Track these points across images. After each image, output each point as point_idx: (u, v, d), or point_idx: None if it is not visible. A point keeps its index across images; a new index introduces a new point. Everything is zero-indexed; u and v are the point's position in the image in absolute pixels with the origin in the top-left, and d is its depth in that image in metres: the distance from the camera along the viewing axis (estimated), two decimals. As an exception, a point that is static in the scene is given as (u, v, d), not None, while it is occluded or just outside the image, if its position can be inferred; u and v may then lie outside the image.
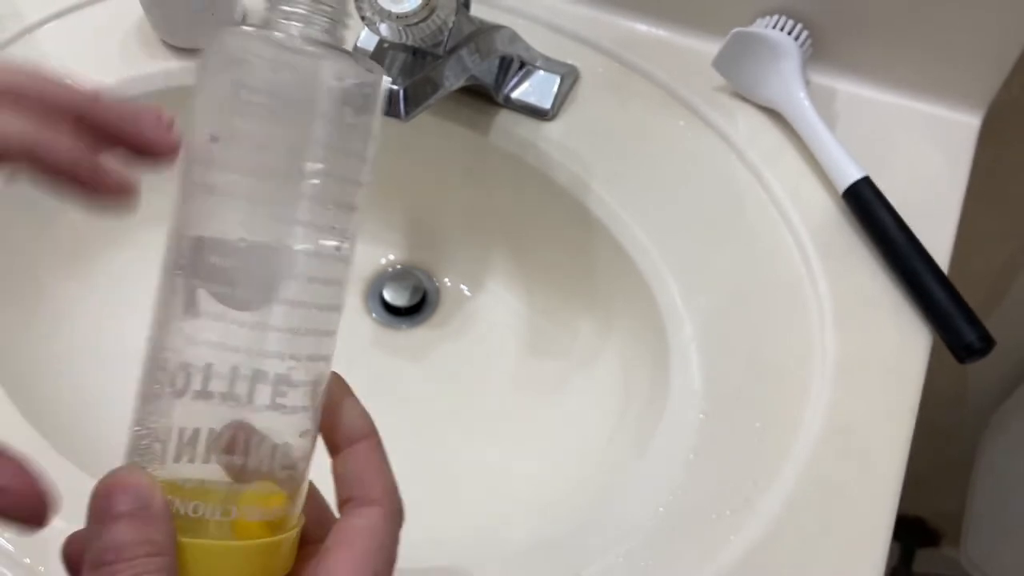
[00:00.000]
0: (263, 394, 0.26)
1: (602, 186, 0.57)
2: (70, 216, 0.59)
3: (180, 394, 0.26)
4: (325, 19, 0.27)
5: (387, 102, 0.57)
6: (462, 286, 0.65)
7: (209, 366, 0.26)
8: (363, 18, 0.52)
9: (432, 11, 0.51)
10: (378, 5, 0.51)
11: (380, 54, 0.59)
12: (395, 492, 0.28)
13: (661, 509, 0.46)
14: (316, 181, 0.26)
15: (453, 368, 0.61)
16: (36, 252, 0.58)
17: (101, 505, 0.26)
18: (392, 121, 0.52)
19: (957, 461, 0.91)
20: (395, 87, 0.56)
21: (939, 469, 0.87)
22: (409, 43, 0.53)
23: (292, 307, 0.27)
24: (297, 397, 0.27)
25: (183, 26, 0.60)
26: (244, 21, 0.50)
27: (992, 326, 0.52)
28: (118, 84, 0.59)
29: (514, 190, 0.61)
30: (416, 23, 0.51)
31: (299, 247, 0.26)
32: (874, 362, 0.51)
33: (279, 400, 0.27)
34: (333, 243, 0.27)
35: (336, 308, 0.28)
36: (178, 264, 0.27)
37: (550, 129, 0.60)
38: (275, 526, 0.27)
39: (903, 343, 0.52)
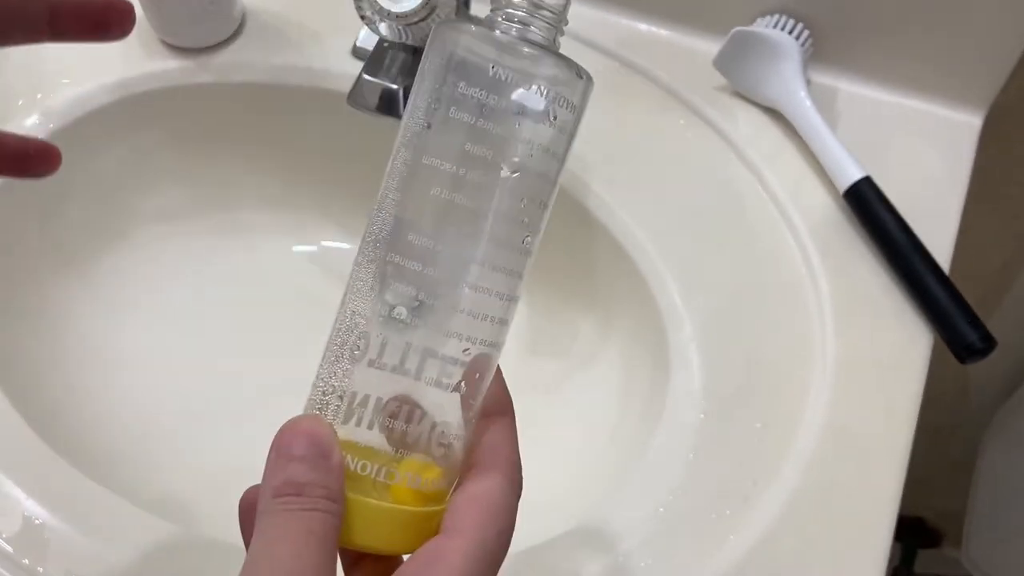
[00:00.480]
0: (431, 371, 0.28)
1: (602, 186, 0.57)
2: (70, 216, 0.60)
3: (357, 360, 0.28)
4: (543, 23, 0.29)
5: (386, 102, 0.57)
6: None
7: (396, 338, 0.28)
8: (363, 18, 0.52)
9: (432, 10, 0.51)
10: (378, 5, 0.51)
11: (380, 53, 0.59)
12: (519, 465, 0.30)
13: (661, 509, 0.46)
14: (516, 175, 0.28)
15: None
16: (36, 252, 0.58)
17: (286, 444, 0.27)
18: (392, 121, 0.52)
19: (958, 461, 0.91)
20: (395, 87, 0.56)
21: (940, 469, 0.87)
22: (409, 43, 0.53)
23: (473, 291, 0.29)
24: (463, 378, 0.29)
25: (182, 26, 0.60)
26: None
27: (993, 326, 0.52)
28: (117, 84, 0.59)
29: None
30: (416, 22, 0.51)
31: (489, 235, 0.28)
32: (875, 362, 0.51)
33: (445, 379, 0.28)
34: (520, 235, 0.29)
35: (513, 299, 0.30)
36: (378, 238, 0.29)
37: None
38: (430, 497, 0.28)
39: (904, 343, 0.52)
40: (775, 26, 0.60)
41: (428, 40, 0.29)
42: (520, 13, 0.28)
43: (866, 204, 0.55)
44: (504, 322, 0.30)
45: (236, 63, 0.61)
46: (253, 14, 0.63)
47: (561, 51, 0.29)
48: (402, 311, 0.28)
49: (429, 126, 0.28)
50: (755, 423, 0.49)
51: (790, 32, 0.60)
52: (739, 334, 0.52)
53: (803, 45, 0.60)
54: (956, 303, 0.52)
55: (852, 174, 0.56)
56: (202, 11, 0.59)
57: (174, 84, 0.60)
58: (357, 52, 0.61)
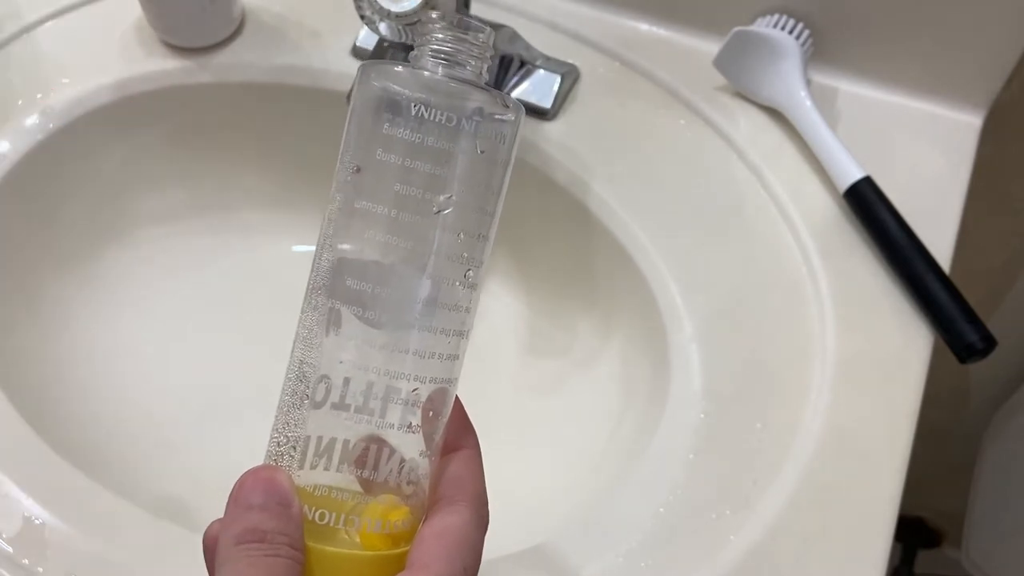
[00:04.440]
0: (393, 412, 0.28)
1: (602, 186, 0.57)
2: (70, 216, 0.60)
3: (319, 406, 0.28)
4: (468, 57, 0.29)
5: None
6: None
7: (346, 381, 0.28)
8: (363, 17, 0.52)
9: (432, 10, 0.51)
10: (378, 4, 0.51)
11: (380, 53, 0.59)
12: (485, 498, 0.30)
13: (661, 509, 0.46)
14: (449, 211, 0.28)
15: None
16: (36, 252, 0.58)
17: (246, 493, 0.28)
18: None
19: (958, 461, 0.91)
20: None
21: (940, 469, 0.87)
22: (409, 42, 0.53)
23: (419, 331, 0.29)
24: (420, 416, 0.29)
25: (182, 25, 0.60)
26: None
27: (993, 326, 0.52)
28: (117, 84, 0.59)
29: (514, 190, 0.60)
30: (416, 22, 0.51)
31: (429, 273, 0.28)
32: (875, 362, 0.51)
33: (407, 418, 0.28)
34: (461, 270, 0.29)
35: (462, 333, 0.30)
36: (320, 284, 0.29)
37: (550, 129, 0.59)
38: (395, 539, 0.28)
39: (904, 343, 0.52)
40: (775, 26, 0.60)
41: (354, 81, 0.29)
42: (445, 49, 0.28)
43: (866, 204, 0.55)
44: (454, 357, 0.30)
45: (236, 63, 0.61)
46: (253, 14, 0.63)
47: (486, 84, 0.29)
48: (350, 355, 0.28)
49: (359, 169, 0.28)
50: (755, 423, 0.49)
51: (790, 32, 0.60)
52: (739, 334, 0.52)
53: (803, 45, 0.60)
54: (956, 303, 0.52)
55: (852, 174, 0.56)
56: (202, 11, 0.59)
57: (174, 84, 0.60)
58: (357, 52, 0.61)
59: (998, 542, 0.86)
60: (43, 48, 0.60)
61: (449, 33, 0.29)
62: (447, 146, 0.28)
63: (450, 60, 0.29)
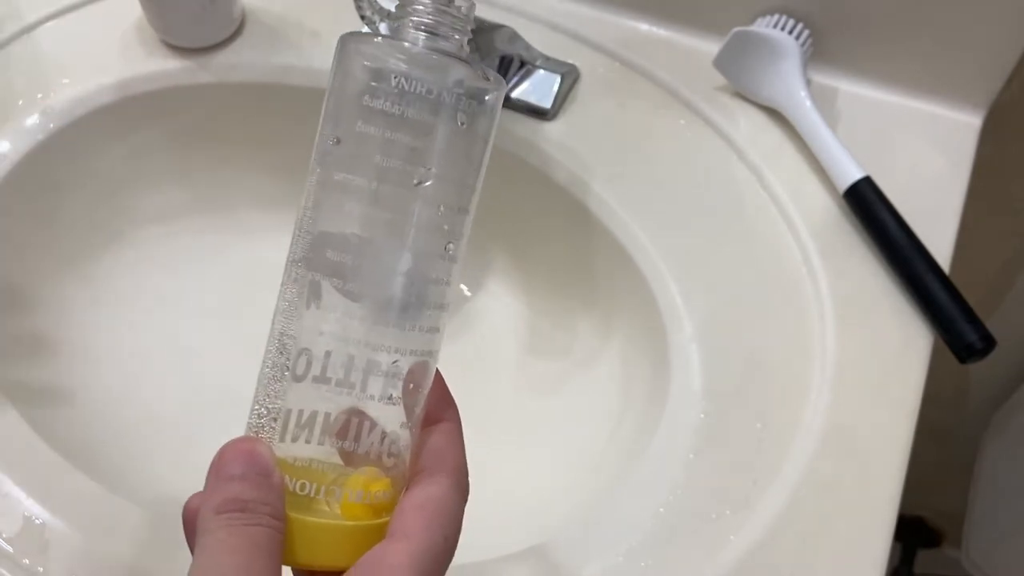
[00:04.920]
0: (374, 384, 0.28)
1: (602, 186, 0.57)
2: (70, 216, 0.60)
3: (300, 379, 0.28)
4: (450, 30, 0.28)
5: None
6: (462, 286, 0.65)
7: (327, 354, 0.28)
8: (363, 17, 0.52)
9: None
10: (378, 5, 0.51)
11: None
12: (465, 469, 0.30)
13: (661, 509, 0.46)
14: (429, 183, 0.28)
15: (453, 369, 0.61)
16: (36, 252, 0.58)
17: (226, 464, 0.28)
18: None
19: (958, 461, 0.91)
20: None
21: (940, 469, 0.87)
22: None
23: (402, 303, 0.28)
24: (401, 389, 0.29)
25: (182, 26, 0.60)
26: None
27: (993, 326, 0.52)
28: (117, 84, 0.59)
29: (514, 190, 0.61)
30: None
31: (410, 245, 0.28)
32: (874, 362, 0.51)
33: (381, 392, 0.28)
34: (442, 242, 0.29)
35: (443, 306, 0.30)
36: (300, 256, 0.29)
37: (550, 129, 0.59)
38: (377, 509, 0.28)
39: (904, 343, 0.52)
40: (775, 26, 0.60)
41: (335, 53, 0.29)
42: (426, 21, 0.28)
43: (866, 204, 0.55)
44: (435, 330, 0.29)
45: (236, 63, 0.61)
46: (253, 14, 0.63)
47: (467, 56, 0.29)
48: (331, 328, 0.28)
49: (338, 141, 0.28)
50: (755, 423, 0.49)
51: (790, 32, 0.60)
52: (739, 334, 0.52)
53: (803, 45, 0.60)
54: (956, 303, 0.52)
55: (852, 174, 0.56)
56: (202, 11, 0.59)
57: (174, 84, 0.60)
58: (357, 52, 0.61)
59: (998, 542, 0.86)
60: (43, 48, 0.60)
61: (430, 5, 0.28)
62: (428, 118, 0.28)
63: (431, 32, 0.28)
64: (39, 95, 0.57)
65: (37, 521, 0.43)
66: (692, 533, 0.45)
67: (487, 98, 0.29)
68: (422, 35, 0.28)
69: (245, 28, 0.62)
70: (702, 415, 0.49)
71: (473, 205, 0.30)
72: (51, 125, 0.57)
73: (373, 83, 0.28)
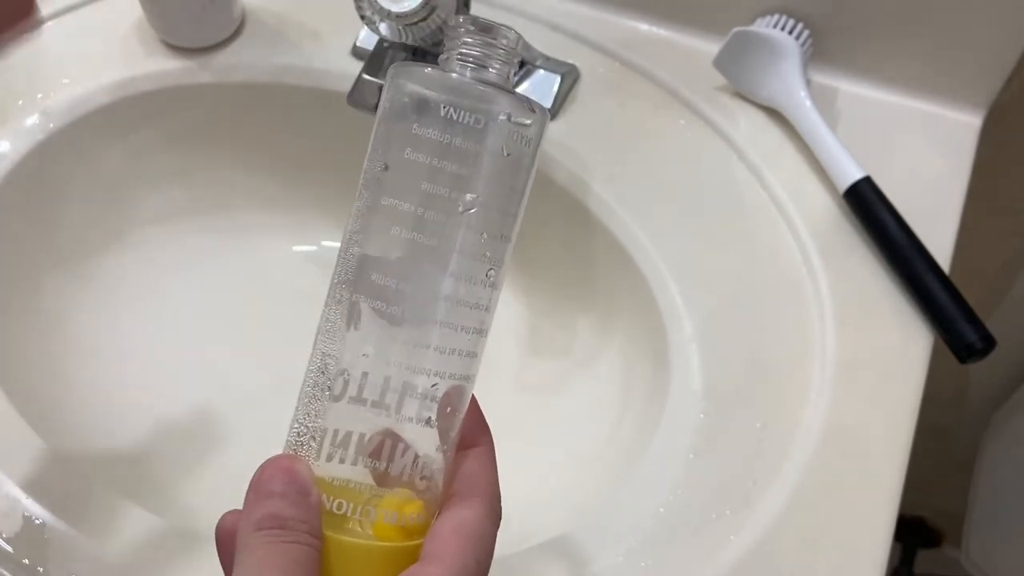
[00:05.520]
0: (411, 406, 0.29)
1: (602, 186, 0.57)
2: (70, 216, 0.60)
3: (338, 399, 0.29)
4: (496, 62, 0.29)
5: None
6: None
7: (365, 375, 0.29)
8: (363, 18, 0.52)
9: (432, 11, 0.51)
10: (378, 5, 0.51)
11: (380, 53, 0.59)
12: (498, 494, 0.30)
13: (661, 509, 0.46)
14: (474, 211, 0.29)
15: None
16: (36, 252, 0.58)
17: (266, 481, 0.28)
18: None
19: (958, 461, 0.91)
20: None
21: (940, 469, 0.87)
22: (409, 42, 0.53)
23: (441, 327, 0.29)
24: (437, 412, 0.29)
25: (182, 26, 0.60)
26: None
27: (993, 326, 0.52)
28: (117, 84, 0.59)
29: (514, 190, 0.61)
30: (416, 22, 0.51)
31: (452, 271, 0.29)
32: (874, 362, 0.51)
33: (419, 415, 0.29)
34: (483, 269, 0.30)
35: (482, 332, 0.30)
36: (344, 278, 0.29)
37: (550, 129, 0.59)
38: (409, 531, 0.29)
39: (904, 343, 0.52)
40: (775, 26, 0.60)
41: (385, 82, 0.30)
42: (474, 53, 0.29)
43: (866, 204, 0.55)
44: (473, 355, 0.30)
45: (236, 63, 0.61)
46: (253, 14, 0.63)
47: (512, 87, 0.30)
48: (371, 350, 0.29)
49: (387, 167, 0.29)
50: (755, 423, 0.49)
51: (790, 32, 0.60)
52: (739, 334, 0.52)
53: (803, 45, 0.60)
54: (956, 303, 0.52)
55: (852, 174, 0.56)
56: (202, 11, 0.59)
57: (174, 84, 0.60)
58: (357, 52, 0.61)
59: (998, 542, 0.86)
60: (43, 48, 0.60)
61: (477, 37, 0.29)
62: (474, 147, 0.28)
63: (478, 63, 0.29)
64: (39, 95, 0.57)
65: (37, 521, 0.43)
66: (692, 533, 0.45)
67: (531, 129, 0.30)
68: (469, 67, 0.29)
69: (245, 28, 0.62)
70: (702, 415, 0.49)
71: (515, 233, 0.30)
72: (51, 125, 0.57)
73: (421, 112, 0.28)
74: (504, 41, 0.29)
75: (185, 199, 0.64)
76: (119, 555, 0.42)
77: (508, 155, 0.29)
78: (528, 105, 0.29)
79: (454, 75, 0.29)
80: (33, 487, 0.44)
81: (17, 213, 0.56)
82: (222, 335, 0.62)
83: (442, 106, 0.28)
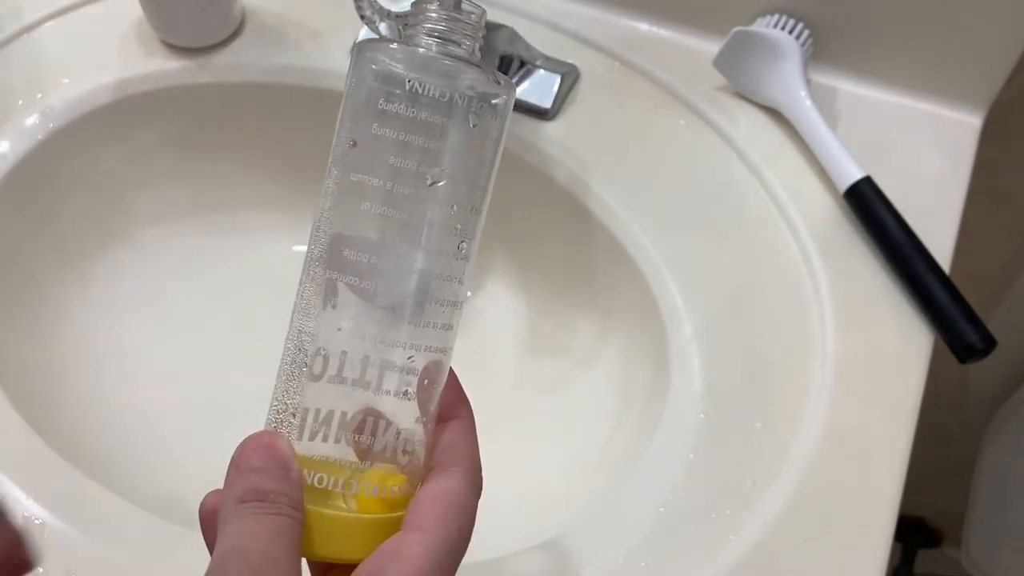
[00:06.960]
0: (390, 380, 0.29)
1: (602, 186, 0.57)
2: (70, 216, 0.60)
3: (317, 377, 0.29)
4: (461, 36, 0.30)
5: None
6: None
7: (342, 352, 0.29)
8: (363, 17, 0.52)
9: None
10: (378, 5, 0.51)
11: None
12: (479, 464, 0.31)
13: (661, 509, 0.46)
14: (442, 183, 0.29)
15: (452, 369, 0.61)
16: (36, 252, 0.58)
17: (246, 457, 0.28)
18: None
19: (958, 461, 0.91)
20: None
21: (940, 469, 0.87)
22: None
23: (417, 300, 0.29)
24: (416, 385, 0.30)
25: (182, 25, 0.60)
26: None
27: (993, 326, 0.52)
28: (117, 84, 0.59)
29: (514, 190, 0.61)
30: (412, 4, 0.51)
31: (423, 244, 0.29)
32: (875, 362, 0.51)
33: (397, 388, 0.29)
34: (455, 242, 0.30)
35: (456, 304, 0.30)
36: (317, 256, 0.29)
37: (550, 129, 0.59)
38: (392, 503, 0.29)
39: (904, 343, 0.52)
40: (775, 26, 0.60)
41: (351, 59, 0.30)
42: (439, 28, 0.29)
43: (866, 204, 0.55)
44: (449, 327, 0.30)
45: (236, 63, 0.61)
46: (253, 14, 0.63)
47: (479, 61, 0.30)
48: (346, 325, 0.29)
49: (355, 144, 0.29)
50: (755, 423, 0.49)
51: (790, 32, 0.60)
52: (739, 334, 0.52)
53: (803, 45, 0.60)
54: (956, 303, 0.52)
55: (852, 174, 0.56)
56: (202, 11, 0.59)
57: (174, 84, 0.60)
58: (357, 52, 0.61)
59: (998, 542, 0.86)
60: (43, 48, 0.60)
61: (442, 12, 0.29)
62: (440, 120, 0.29)
63: (443, 38, 0.29)
64: (39, 95, 0.57)
65: (37, 521, 0.43)
66: (692, 533, 0.45)
67: (497, 101, 0.30)
68: (435, 41, 0.29)
69: (245, 28, 0.62)
70: (702, 415, 0.49)
71: (485, 205, 0.31)
72: (51, 125, 0.57)
73: (388, 88, 0.29)
74: (469, 16, 0.30)
75: (185, 199, 0.64)
76: (119, 555, 0.42)
77: (475, 128, 0.29)
78: (494, 77, 0.30)
79: (420, 50, 0.29)
80: (33, 487, 0.44)
81: (17, 213, 0.56)
82: (222, 335, 0.62)
83: (408, 80, 0.28)
